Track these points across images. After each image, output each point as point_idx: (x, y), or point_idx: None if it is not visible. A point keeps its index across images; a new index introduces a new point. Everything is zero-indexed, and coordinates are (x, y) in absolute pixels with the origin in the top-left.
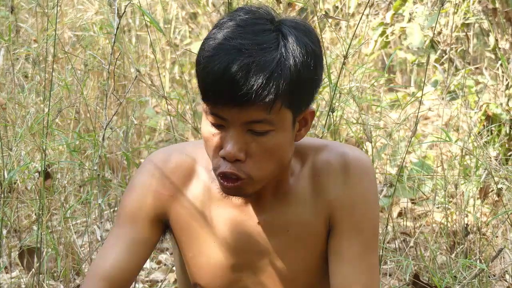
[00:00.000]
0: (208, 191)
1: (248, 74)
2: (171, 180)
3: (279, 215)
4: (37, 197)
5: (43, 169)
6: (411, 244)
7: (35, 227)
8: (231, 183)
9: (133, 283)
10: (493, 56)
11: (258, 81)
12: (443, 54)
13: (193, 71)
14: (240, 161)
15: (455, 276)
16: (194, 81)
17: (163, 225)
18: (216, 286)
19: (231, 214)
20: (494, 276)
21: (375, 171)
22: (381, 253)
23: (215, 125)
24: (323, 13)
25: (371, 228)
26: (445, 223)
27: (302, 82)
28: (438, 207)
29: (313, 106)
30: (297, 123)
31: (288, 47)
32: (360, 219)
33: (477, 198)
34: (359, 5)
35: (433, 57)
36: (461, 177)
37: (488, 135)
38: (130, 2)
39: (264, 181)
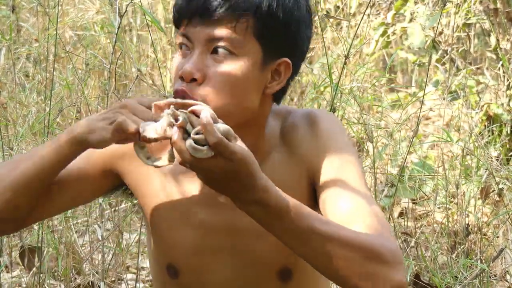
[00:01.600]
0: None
1: None
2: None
3: None
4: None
5: None
6: (412, 244)
7: (36, 227)
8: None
9: (134, 282)
10: (494, 56)
11: None
12: (444, 54)
13: None
14: (196, 82)
15: (456, 276)
16: None
17: (112, 180)
18: (191, 266)
19: (203, 187)
20: (495, 276)
21: (339, 120)
22: None
23: (181, 47)
24: (324, 13)
25: (353, 165)
26: (446, 223)
27: (275, 18)
28: (439, 207)
29: (288, 59)
30: (268, 71)
31: None
32: (338, 161)
33: (478, 198)
34: (360, 5)
35: (434, 57)
36: (462, 177)
37: (489, 135)
38: (131, 2)
39: (222, 114)
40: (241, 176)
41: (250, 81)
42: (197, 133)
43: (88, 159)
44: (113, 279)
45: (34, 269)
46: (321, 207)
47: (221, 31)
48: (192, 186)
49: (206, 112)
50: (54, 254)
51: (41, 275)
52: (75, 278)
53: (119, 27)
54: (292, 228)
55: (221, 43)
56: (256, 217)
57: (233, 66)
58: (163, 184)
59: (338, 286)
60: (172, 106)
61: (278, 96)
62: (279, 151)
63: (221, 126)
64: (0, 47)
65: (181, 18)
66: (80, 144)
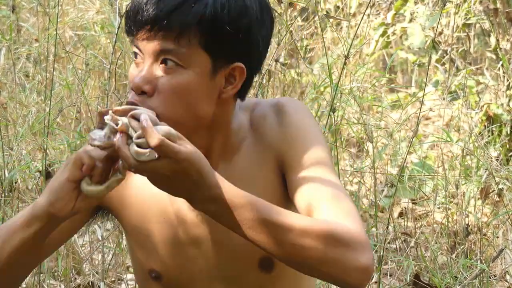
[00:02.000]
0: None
1: (160, 0)
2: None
3: (229, 177)
4: (38, 197)
5: (44, 168)
6: (412, 244)
7: None
8: None
9: (134, 282)
10: (494, 57)
11: (166, 7)
12: (444, 54)
13: None
14: (146, 95)
15: (455, 277)
16: None
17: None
18: (172, 268)
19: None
20: (495, 276)
21: (307, 107)
22: (382, 254)
23: (136, 56)
24: (324, 13)
25: (321, 151)
26: (446, 223)
27: (220, 27)
28: (439, 208)
29: (241, 64)
30: (221, 77)
31: None
32: (305, 148)
33: (478, 199)
34: (360, 5)
35: (434, 57)
36: (462, 177)
37: (489, 136)
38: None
39: (175, 128)
40: (190, 175)
41: (200, 90)
42: (139, 137)
43: None
44: (113, 279)
45: (34, 269)
46: (290, 196)
47: (166, 45)
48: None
49: (144, 115)
50: (54, 254)
51: (41, 275)
52: (75, 278)
53: (119, 27)
54: (249, 221)
55: (168, 56)
56: (212, 214)
57: (181, 78)
58: (135, 192)
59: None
60: (110, 112)
61: (240, 94)
62: (249, 142)
63: (162, 127)
64: (0, 47)
65: (129, 30)
66: (47, 219)
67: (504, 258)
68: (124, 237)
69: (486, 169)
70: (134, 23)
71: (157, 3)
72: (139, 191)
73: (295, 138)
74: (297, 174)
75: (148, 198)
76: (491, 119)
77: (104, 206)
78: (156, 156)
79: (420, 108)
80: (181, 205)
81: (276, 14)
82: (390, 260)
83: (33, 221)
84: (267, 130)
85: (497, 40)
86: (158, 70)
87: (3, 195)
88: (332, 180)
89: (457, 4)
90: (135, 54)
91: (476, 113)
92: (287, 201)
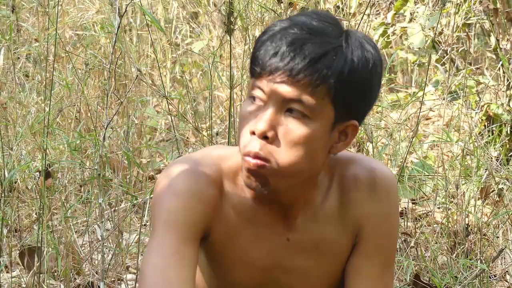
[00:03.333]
0: (235, 208)
1: (303, 47)
2: (211, 191)
3: (308, 232)
4: (38, 197)
5: (44, 168)
6: (412, 244)
7: (35, 227)
8: (257, 170)
9: (134, 282)
10: (494, 57)
11: (310, 56)
12: (444, 54)
13: (194, 70)
14: (267, 140)
15: (455, 277)
16: (195, 80)
17: (201, 237)
18: None
19: (260, 231)
20: (495, 276)
21: (397, 185)
22: None
23: (254, 98)
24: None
25: (392, 247)
26: (446, 223)
27: (354, 83)
28: (439, 207)
29: (357, 122)
30: (336, 132)
31: (350, 43)
32: (383, 239)
33: (478, 199)
34: (360, 4)
35: (434, 57)
36: (462, 177)
37: (489, 136)
38: (131, 2)
39: (289, 177)
40: None
41: (321, 142)
42: None
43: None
44: (113, 279)
45: (34, 269)
46: (348, 266)
47: (300, 95)
48: (256, 228)
49: None
50: (54, 254)
51: (41, 275)
52: (75, 278)
53: (119, 27)
54: None
55: (297, 106)
56: None
57: (305, 129)
58: (227, 226)
59: None
60: None
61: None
62: (334, 202)
63: None
64: (0, 47)
65: (261, 71)
66: None
67: (504, 258)
68: (124, 237)
69: (486, 169)
70: (270, 64)
71: (299, 50)
72: (228, 224)
73: (380, 225)
74: (365, 262)
75: (233, 238)
76: (491, 119)
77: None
78: None
79: (420, 108)
80: (260, 247)
81: (276, 14)
82: None
83: None
84: (356, 201)
85: (497, 40)
86: (283, 117)
87: (3, 195)
88: (389, 283)
89: (457, 4)
90: (253, 96)
91: (476, 113)
92: (342, 270)
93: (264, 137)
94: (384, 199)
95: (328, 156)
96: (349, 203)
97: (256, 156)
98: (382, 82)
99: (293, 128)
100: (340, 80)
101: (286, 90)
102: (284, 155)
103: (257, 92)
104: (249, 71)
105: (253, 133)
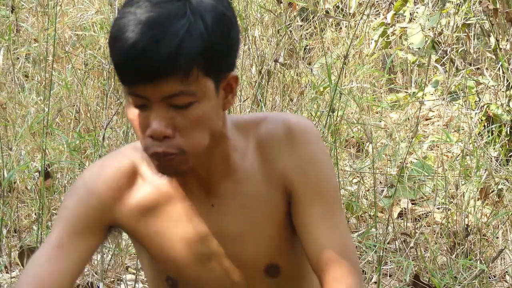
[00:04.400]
0: (157, 188)
1: (158, 46)
2: (112, 185)
3: (231, 195)
4: (37, 197)
5: (43, 168)
6: (412, 244)
7: (35, 227)
8: (167, 163)
9: (134, 282)
10: (494, 57)
11: (168, 52)
12: (444, 55)
13: None
14: (169, 138)
15: (455, 277)
16: None
17: (107, 228)
18: (189, 276)
19: (184, 204)
20: (495, 277)
21: (319, 133)
22: (381, 254)
23: (138, 105)
24: (324, 13)
25: (329, 187)
26: (446, 223)
27: (216, 47)
28: (438, 208)
29: (234, 72)
30: (221, 90)
31: (196, 13)
32: (315, 182)
33: (478, 199)
34: (359, 5)
35: (434, 57)
36: (462, 177)
37: (488, 136)
38: None
39: (197, 154)
40: None
41: (214, 112)
42: None
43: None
44: (112, 279)
45: None
46: (298, 230)
47: (175, 88)
48: (178, 202)
49: None
50: None
51: None
52: None
53: None
54: None
55: (178, 98)
56: None
57: (197, 112)
58: (152, 208)
59: None
60: None
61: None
62: (254, 161)
63: None
64: None
65: (126, 82)
66: None
67: (504, 258)
68: (124, 237)
69: (485, 170)
70: (133, 75)
71: (155, 50)
72: (148, 213)
73: (307, 171)
74: (307, 211)
75: (157, 217)
76: (491, 119)
77: (116, 224)
78: None
79: (420, 108)
80: (187, 220)
81: (275, 14)
82: (390, 261)
83: None
84: (275, 152)
85: (497, 41)
86: (171, 111)
87: (2, 195)
88: (340, 222)
89: (457, 4)
90: (136, 104)
91: (476, 113)
92: (286, 227)
93: (164, 136)
94: (302, 146)
95: (224, 114)
96: (269, 159)
97: (165, 154)
98: (382, 83)
99: (185, 117)
100: (204, 55)
101: (161, 89)
102: (189, 142)
103: (136, 100)
104: (118, 77)
105: (151, 137)
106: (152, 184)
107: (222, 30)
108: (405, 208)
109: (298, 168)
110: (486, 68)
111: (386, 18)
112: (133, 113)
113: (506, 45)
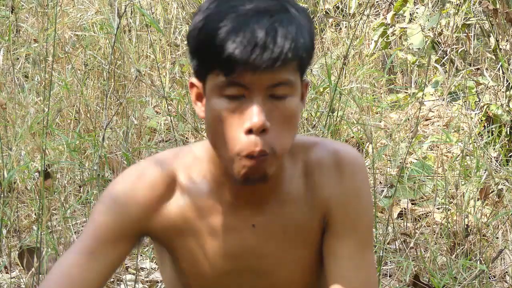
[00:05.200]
0: (195, 200)
1: (276, 36)
2: (151, 195)
3: (274, 216)
4: (37, 197)
5: (43, 169)
6: (411, 245)
7: (35, 227)
8: (260, 164)
9: (134, 283)
10: (493, 57)
11: (287, 43)
12: (444, 55)
13: None
14: (265, 133)
15: (455, 277)
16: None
17: (140, 236)
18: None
19: (224, 221)
20: (494, 277)
21: (366, 168)
22: (381, 254)
23: (233, 97)
24: (324, 13)
25: (366, 225)
26: (446, 224)
27: (311, 48)
28: (438, 208)
29: (307, 80)
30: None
31: (296, 12)
32: (355, 217)
33: (478, 199)
34: (359, 5)
35: (433, 57)
36: (462, 178)
37: (488, 136)
38: (130, 2)
39: (282, 156)
40: None
41: (300, 111)
42: None
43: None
44: (112, 279)
45: (33, 269)
46: (324, 252)
47: (285, 75)
48: (219, 216)
49: None
50: (53, 255)
51: (40, 275)
52: None
53: (118, 27)
54: None
55: (280, 89)
56: None
57: (291, 105)
58: (190, 221)
59: None
60: None
61: None
62: (301, 186)
63: None
64: None
65: (239, 69)
66: None
67: (504, 258)
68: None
69: (485, 170)
70: (247, 60)
71: (274, 36)
72: (183, 226)
73: (350, 204)
74: (339, 243)
75: (192, 231)
76: (491, 120)
77: (151, 234)
78: None
79: (420, 108)
80: (225, 236)
81: None
82: (390, 261)
83: None
84: (322, 179)
85: (497, 41)
86: (269, 103)
87: (2, 195)
88: (369, 261)
89: (457, 4)
90: (228, 95)
91: (476, 113)
92: (319, 253)
93: (262, 130)
94: (350, 177)
95: None
96: (315, 186)
97: (261, 154)
98: (382, 83)
99: (284, 111)
100: (307, 50)
101: (269, 77)
102: (280, 140)
103: (233, 90)
104: (209, 68)
105: (249, 131)
106: (191, 195)
107: (312, 35)
108: (405, 208)
109: (341, 199)
110: (486, 69)
111: (386, 18)
112: (226, 109)
113: (506, 46)
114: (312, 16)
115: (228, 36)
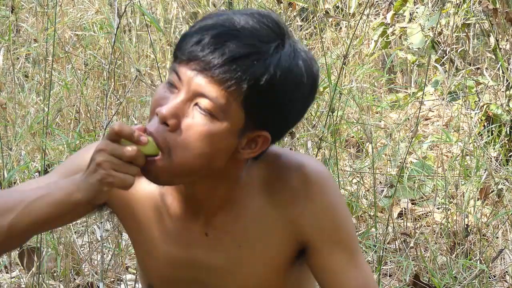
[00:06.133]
0: (159, 195)
1: (226, 43)
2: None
3: (229, 231)
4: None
5: (43, 168)
6: (411, 244)
7: None
8: (149, 165)
9: (134, 283)
10: (493, 57)
11: (229, 54)
12: (444, 55)
13: None
14: (168, 128)
15: (455, 277)
16: None
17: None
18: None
19: (178, 224)
20: (494, 277)
21: (333, 179)
22: (381, 254)
23: (169, 85)
24: (324, 13)
25: (347, 234)
26: (446, 223)
27: (271, 93)
28: (438, 208)
29: (269, 134)
30: (245, 138)
31: (279, 52)
32: (333, 232)
33: (478, 199)
34: (359, 5)
35: (433, 57)
36: (462, 177)
37: (488, 136)
38: (130, 2)
39: (183, 171)
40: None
41: (223, 146)
42: None
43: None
44: (112, 279)
45: (33, 269)
46: (319, 277)
47: (211, 91)
48: (174, 218)
49: None
50: (53, 255)
51: (40, 275)
52: (74, 279)
53: (118, 27)
54: None
55: (205, 102)
56: None
57: (210, 128)
58: (143, 211)
59: None
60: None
61: (256, 157)
62: (262, 202)
63: None
64: None
65: (180, 56)
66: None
67: (504, 258)
68: (124, 237)
69: (485, 170)
70: (190, 52)
71: (224, 43)
72: (146, 214)
73: (324, 220)
74: (327, 260)
75: (151, 221)
76: (491, 119)
77: (113, 208)
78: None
79: (420, 108)
80: (178, 241)
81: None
82: (390, 261)
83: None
84: (289, 199)
85: (497, 40)
86: (190, 109)
87: None
88: (362, 264)
89: (457, 4)
90: (170, 82)
91: (476, 113)
92: (282, 273)
93: (164, 123)
94: (318, 194)
95: (238, 160)
96: (280, 205)
97: (151, 134)
98: (382, 83)
99: (197, 123)
100: (254, 87)
101: (199, 82)
102: (181, 150)
103: (173, 77)
104: (172, 53)
105: (157, 114)
106: (158, 188)
107: (286, 84)
108: (405, 208)
109: (313, 218)
110: (486, 68)
111: (385, 18)
112: (161, 92)
113: (505, 45)
114: (312, 16)
115: (192, 31)
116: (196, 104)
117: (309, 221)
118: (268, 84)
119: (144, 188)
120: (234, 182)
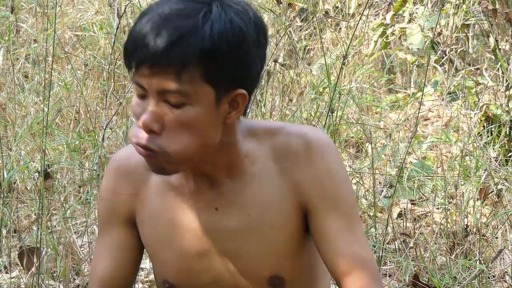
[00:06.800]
0: (165, 183)
1: (157, 36)
2: (131, 179)
3: (237, 198)
4: (37, 197)
5: (43, 169)
6: (411, 245)
7: (34, 227)
8: (150, 160)
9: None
10: (493, 57)
11: (163, 43)
12: (443, 55)
13: None
14: (155, 134)
15: (455, 277)
16: None
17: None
18: (184, 279)
19: (188, 203)
20: (494, 277)
21: (335, 146)
22: (381, 254)
23: (139, 95)
24: (323, 13)
25: (347, 200)
26: (445, 224)
27: (221, 57)
28: (438, 208)
29: (243, 90)
30: (225, 104)
31: (209, 18)
32: (333, 194)
33: (477, 199)
34: (359, 5)
35: (433, 57)
36: (461, 178)
37: (488, 136)
38: (130, 2)
39: (184, 159)
40: None
41: (207, 122)
42: None
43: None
44: None
45: (33, 269)
46: (316, 241)
47: (168, 84)
48: (175, 198)
49: None
50: (53, 255)
51: (40, 275)
52: (74, 279)
53: (118, 27)
54: None
55: (171, 96)
56: None
57: (188, 114)
58: (152, 206)
59: None
60: None
61: (243, 113)
62: (268, 170)
63: None
64: None
65: (128, 65)
66: None
67: (503, 258)
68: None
69: (485, 170)
70: (133, 59)
71: (155, 38)
72: (152, 204)
73: (324, 183)
74: (326, 223)
75: (162, 214)
76: (490, 120)
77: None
78: None
79: (419, 108)
80: (190, 219)
81: (275, 15)
82: (389, 261)
83: None
84: (292, 165)
85: (496, 41)
86: (164, 107)
87: (2, 195)
88: (359, 234)
89: (456, 4)
90: (137, 88)
91: (475, 113)
92: (293, 238)
93: (150, 130)
94: (319, 159)
95: (226, 125)
96: (286, 172)
97: (146, 148)
98: (382, 83)
99: (175, 117)
100: (203, 61)
101: (156, 82)
102: (174, 144)
103: (136, 88)
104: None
105: (141, 127)
106: (161, 180)
107: (229, 42)
108: (404, 208)
109: (315, 181)
110: (486, 69)
111: (385, 18)
112: (134, 102)
113: (505, 46)
114: (311, 16)
115: (129, 37)
116: (166, 100)
117: (310, 184)
118: (214, 52)
119: (153, 182)
120: (234, 146)
